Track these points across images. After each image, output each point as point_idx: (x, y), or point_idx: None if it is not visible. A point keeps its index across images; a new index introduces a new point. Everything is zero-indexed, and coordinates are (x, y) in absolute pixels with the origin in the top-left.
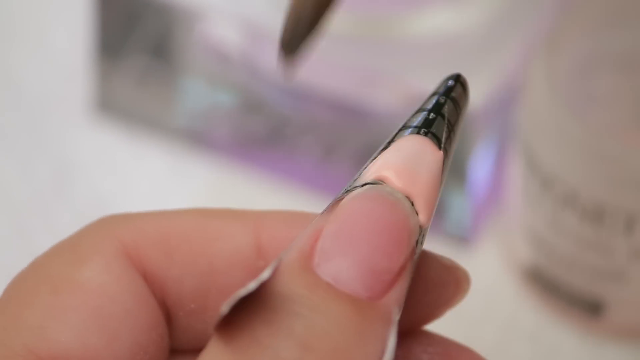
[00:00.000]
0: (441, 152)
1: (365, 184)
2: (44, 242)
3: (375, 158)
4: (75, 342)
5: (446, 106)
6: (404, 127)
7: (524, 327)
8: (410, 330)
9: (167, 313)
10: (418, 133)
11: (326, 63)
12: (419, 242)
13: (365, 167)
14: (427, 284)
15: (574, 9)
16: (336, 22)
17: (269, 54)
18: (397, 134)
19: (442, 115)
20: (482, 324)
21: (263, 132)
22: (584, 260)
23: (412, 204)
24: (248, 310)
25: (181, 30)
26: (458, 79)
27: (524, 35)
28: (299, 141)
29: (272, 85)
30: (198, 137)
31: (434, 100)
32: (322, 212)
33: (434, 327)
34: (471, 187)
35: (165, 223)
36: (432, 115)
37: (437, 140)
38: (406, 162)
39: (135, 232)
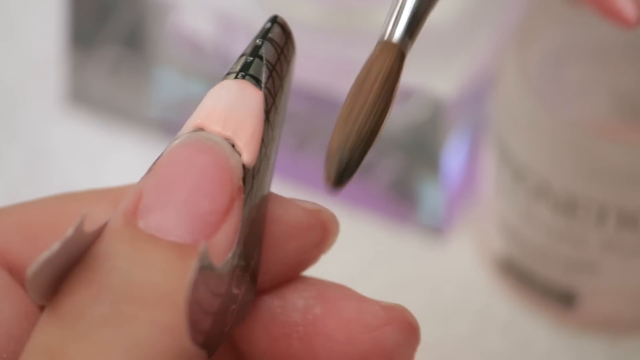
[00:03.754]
0: (260, 91)
1: (183, 135)
2: None
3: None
4: None
5: (263, 47)
6: (225, 75)
7: (497, 318)
8: (286, 280)
9: None
10: (236, 77)
11: (299, 54)
12: (247, 181)
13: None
14: (290, 230)
15: (546, 0)
16: (310, 13)
17: (242, 45)
18: (218, 83)
19: (260, 57)
20: (456, 315)
21: None
22: (557, 251)
23: (234, 146)
24: (71, 276)
25: (154, 20)
26: (275, 20)
27: (496, 27)
28: None
29: None
30: (171, 128)
31: (252, 45)
32: (146, 172)
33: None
34: (444, 178)
35: (24, 212)
36: (249, 58)
37: (255, 80)
38: (223, 106)
39: None
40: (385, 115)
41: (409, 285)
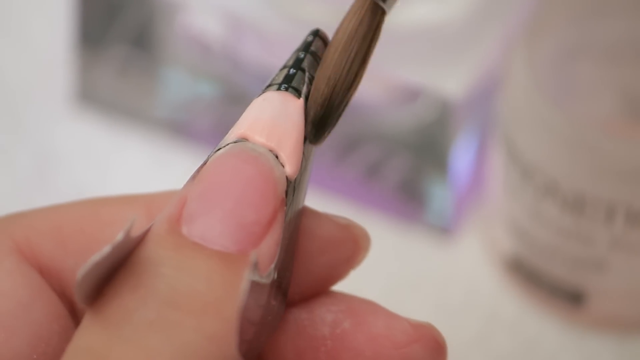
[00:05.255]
0: (302, 102)
1: (227, 144)
2: None
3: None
4: None
5: (305, 60)
6: (267, 87)
7: (505, 317)
8: (315, 294)
9: (70, 304)
10: (278, 89)
11: None
12: (288, 193)
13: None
14: (322, 244)
15: None
16: (318, 13)
17: (250, 45)
18: (261, 94)
19: (302, 70)
20: (464, 314)
21: None
22: (565, 250)
23: (277, 157)
24: (116, 280)
25: (163, 20)
26: (317, 34)
27: (505, 26)
28: None
29: (254, 76)
30: (179, 128)
31: (294, 57)
32: (189, 179)
33: (419, 314)
34: (452, 178)
35: (57, 216)
36: (292, 70)
37: (297, 93)
38: (266, 117)
39: (27, 229)
40: (359, 63)
41: (417, 284)
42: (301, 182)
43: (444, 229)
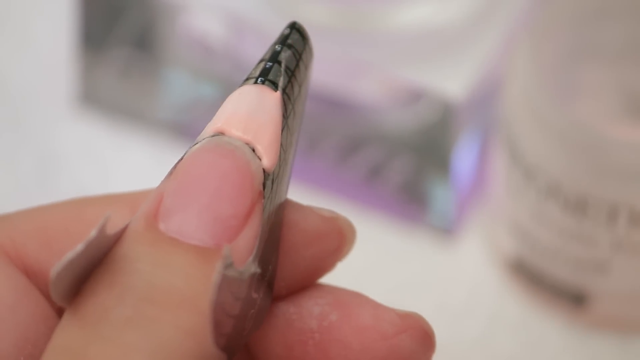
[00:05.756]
0: (278, 95)
1: (204, 139)
2: None
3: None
4: None
5: (282, 53)
6: (244, 81)
7: (507, 318)
8: (302, 286)
9: (57, 305)
10: (255, 83)
11: None
12: (267, 186)
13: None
14: (307, 237)
15: (558, 0)
16: (319, 14)
17: (252, 46)
18: (237, 88)
19: (279, 62)
20: (466, 316)
21: None
22: (568, 251)
23: (254, 150)
24: (93, 278)
25: (164, 22)
26: (293, 26)
27: (507, 28)
28: None
29: None
30: (181, 129)
31: (271, 50)
32: (166, 175)
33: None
34: (454, 179)
35: (41, 216)
36: (268, 64)
37: (274, 85)
38: (242, 110)
39: (11, 230)
40: None
41: (420, 286)
42: (282, 175)
43: (446, 230)
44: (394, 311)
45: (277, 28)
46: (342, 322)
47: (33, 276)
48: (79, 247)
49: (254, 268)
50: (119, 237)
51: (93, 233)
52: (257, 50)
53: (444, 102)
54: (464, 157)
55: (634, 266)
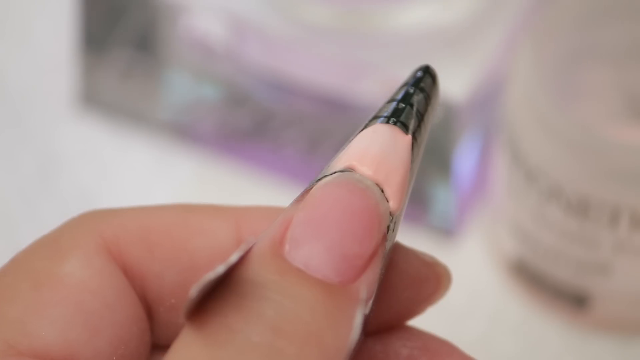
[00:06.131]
0: (410, 139)
1: (334, 172)
2: (29, 235)
3: (345, 147)
4: (56, 337)
5: (415, 96)
6: (375, 117)
7: (509, 320)
8: (391, 327)
9: (148, 308)
10: (387, 122)
11: (311, 56)
12: (390, 228)
13: (336, 157)
14: (407, 280)
15: (560, 1)
16: (321, 15)
17: (253, 48)
18: (367, 124)
19: (411, 105)
20: (468, 317)
21: (248, 125)
22: (569, 253)
23: (382, 191)
24: (218, 297)
25: (166, 23)
26: (427, 70)
27: (509, 29)
28: (284, 134)
29: (257, 79)
30: (182, 131)
31: (403, 91)
32: (293, 202)
33: (419, 320)
34: (456, 180)
35: (146, 218)
36: (401, 105)
37: (405, 128)
38: (375, 150)
39: (117, 228)
40: None
41: None
42: (400, 217)
43: (448, 232)
44: None
45: (279, 30)
46: None
47: (131, 276)
48: (220, 269)
49: (368, 309)
50: (242, 257)
51: (234, 257)
52: (258, 52)
53: (445, 104)
54: (465, 158)
55: (636, 268)
